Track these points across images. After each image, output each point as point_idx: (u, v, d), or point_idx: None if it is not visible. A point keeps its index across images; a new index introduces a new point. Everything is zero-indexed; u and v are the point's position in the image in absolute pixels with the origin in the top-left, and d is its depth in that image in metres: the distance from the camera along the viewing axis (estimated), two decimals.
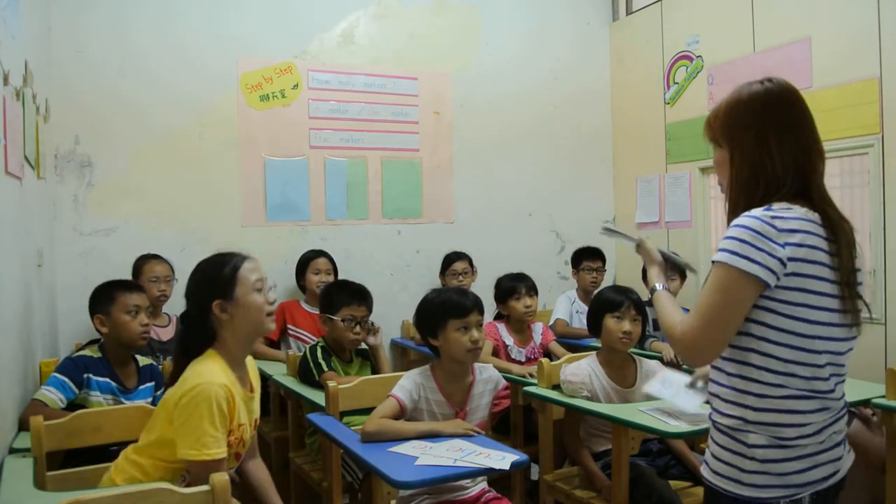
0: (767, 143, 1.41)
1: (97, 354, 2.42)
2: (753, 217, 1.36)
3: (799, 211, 1.38)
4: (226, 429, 1.71)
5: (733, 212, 1.46)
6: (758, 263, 1.33)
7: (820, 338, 1.37)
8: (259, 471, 2.03)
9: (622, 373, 2.60)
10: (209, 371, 1.72)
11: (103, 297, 2.47)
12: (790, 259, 1.34)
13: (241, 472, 1.97)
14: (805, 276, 1.35)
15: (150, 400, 2.47)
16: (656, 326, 3.44)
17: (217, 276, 1.81)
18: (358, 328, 2.84)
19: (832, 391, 1.40)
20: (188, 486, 1.63)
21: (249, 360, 1.94)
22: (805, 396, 1.37)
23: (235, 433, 1.75)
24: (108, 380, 2.41)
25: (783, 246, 1.33)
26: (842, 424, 1.44)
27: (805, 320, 1.36)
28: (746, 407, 1.40)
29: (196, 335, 1.82)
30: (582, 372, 2.55)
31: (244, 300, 1.80)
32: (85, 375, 2.36)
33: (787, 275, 1.34)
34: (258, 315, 1.83)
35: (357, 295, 2.89)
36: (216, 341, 1.81)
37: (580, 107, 4.60)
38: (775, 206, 1.38)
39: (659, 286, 1.67)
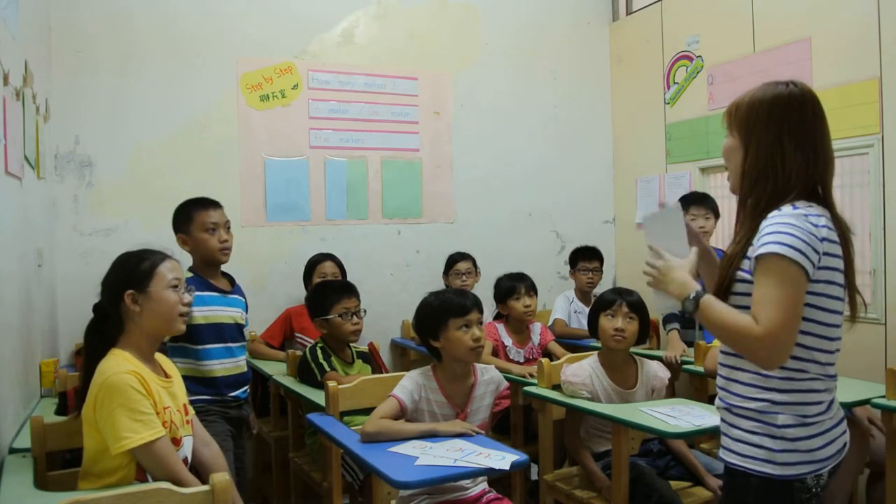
0: (782, 144, 1.47)
1: (189, 274, 2.55)
2: (790, 215, 1.41)
3: (818, 209, 1.45)
4: (152, 408, 1.69)
5: (742, 205, 1.53)
6: (805, 256, 1.38)
7: (836, 326, 1.47)
8: (218, 460, 1.98)
9: (623, 374, 2.60)
10: (114, 364, 1.72)
11: (182, 217, 2.65)
12: (824, 253, 1.42)
13: (201, 464, 1.92)
14: (830, 269, 1.44)
15: (242, 312, 2.72)
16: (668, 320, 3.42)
17: (134, 268, 1.83)
18: (355, 318, 2.88)
19: (835, 375, 1.51)
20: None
21: (159, 355, 1.93)
22: (820, 378, 1.46)
23: (162, 416, 1.73)
24: (207, 292, 2.58)
25: (821, 241, 1.41)
26: (837, 400, 1.54)
27: (827, 310, 1.45)
28: (773, 390, 1.45)
29: (105, 325, 1.82)
30: (583, 373, 2.55)
31: (157, 294, 1.82)
32: None
33: (819, 268, 1.41)
34: (170, 311, 1.84)
35: (345, 289, 2.95)
36: (123, 336, 1.80)
37: (580, 107, 4.60)
38: (799, 204, 1.44)
39: (698, 290, 1.47)
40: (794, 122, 1.48)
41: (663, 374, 2.65)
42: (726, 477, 1.55)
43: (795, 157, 1.46)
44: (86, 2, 3.40)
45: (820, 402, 1.46)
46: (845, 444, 1.52)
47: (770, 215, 1.44)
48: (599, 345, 2.71)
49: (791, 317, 1.36)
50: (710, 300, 1.46)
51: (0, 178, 2.05)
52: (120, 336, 1.81)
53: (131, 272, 1.83)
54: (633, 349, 2.69)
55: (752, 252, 1.43)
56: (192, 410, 1.95)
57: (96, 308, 1.87)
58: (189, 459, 1.86)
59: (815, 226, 1.40)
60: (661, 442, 2.58)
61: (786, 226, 1.39)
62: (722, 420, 1.55)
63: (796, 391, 1.44)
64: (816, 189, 1.49)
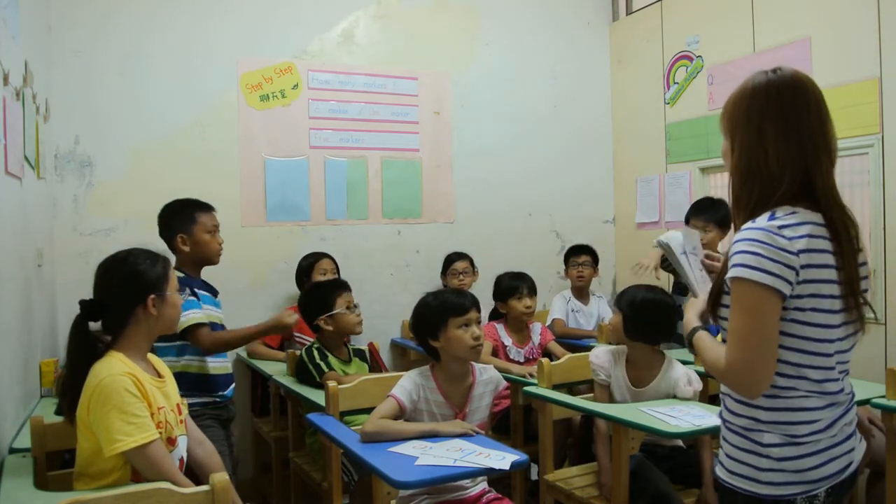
0: (763, 136, 1.37)
1: (181, 274, 2.52)
2: (761, 229, 1.34)
3: (803, 214, 1.36)
4: (147, 410, 1.69)
5: (736, 205, 1.45)
6: (775, 276, 1.30)
7: (830, 340, 1.37)
8: (213, 459, 1.99)
9: (642, 371, 2.57)
10: (107, 366, 1.71)
11: (183, 218, 2.66)
12: (802, 266, 1.32)
13: (196, 464, 1.93)
14: (815, 282, 1.34)
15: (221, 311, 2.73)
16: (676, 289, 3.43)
17: (154, 272, 1.83)
18: (357, 309, 2.94)
19: (841, 391, 1.41)
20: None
21: (151, 355, 1.92)
22: (814, 395, 1.38)
23: (157, 416, 1.73)
24: (205, 292, 2.61)
25: (797, 254, 1.32)
26: (851, 415, 1.44)
27: (816, 325, 1.36)
28: (758, 407, 1.40)
29: (105, 327, 1.81)
30: (604, 356, 2.61)
31: (172, 298, 1.86)
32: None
33: (799, 282, 1.33)
34: (178, 314, 1.91)
35: (342, 284, 3.02)
36: (122, 337, 1.79)
37: (580, 107, 4.60)
38: (779, 212, 1.36)
39: (697, 324, 1.55)
40: (773, 110, 1.38)
41: (686, 384, 2.53)
42: (718, 492, 1.52)
43: (778, 147, 1.36)
44: (86, 2, 3.40)
45: (814, 421, 1.37)
46: (851, 463, 1.42)
47: (743, 227, 1.37)
48: (596, 344, 2.72)
49: (755, 347, 1.32)
50: (698, 338, 1.50)
51: (0, 178, 2.05)
52: (117, 337, 1.79)
53: (151, 275, 1.82)
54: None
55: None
56: (185, 410, 1.95)
57: (93, 309, 1.82)
58: (185, 459, 1.85)
59: (790, 239, 1.32)
60: (671, 451, 2.56)
61: (752, 244, 1.33)
62: (720, 432, 1.52)
63: (783, 409, 1.38)
64: (810, 183, 1.37)
